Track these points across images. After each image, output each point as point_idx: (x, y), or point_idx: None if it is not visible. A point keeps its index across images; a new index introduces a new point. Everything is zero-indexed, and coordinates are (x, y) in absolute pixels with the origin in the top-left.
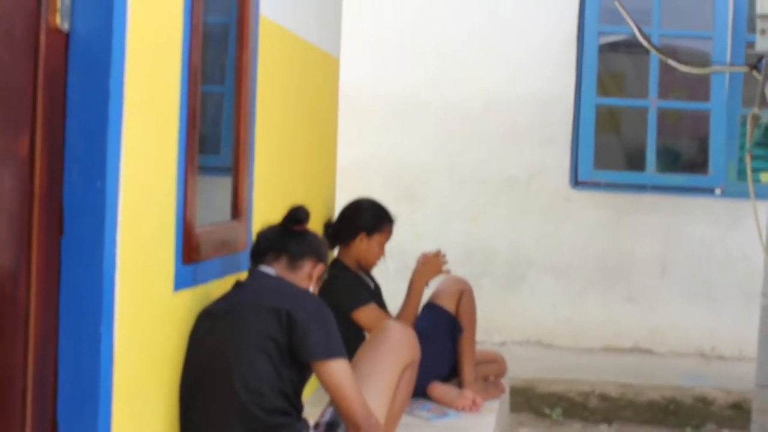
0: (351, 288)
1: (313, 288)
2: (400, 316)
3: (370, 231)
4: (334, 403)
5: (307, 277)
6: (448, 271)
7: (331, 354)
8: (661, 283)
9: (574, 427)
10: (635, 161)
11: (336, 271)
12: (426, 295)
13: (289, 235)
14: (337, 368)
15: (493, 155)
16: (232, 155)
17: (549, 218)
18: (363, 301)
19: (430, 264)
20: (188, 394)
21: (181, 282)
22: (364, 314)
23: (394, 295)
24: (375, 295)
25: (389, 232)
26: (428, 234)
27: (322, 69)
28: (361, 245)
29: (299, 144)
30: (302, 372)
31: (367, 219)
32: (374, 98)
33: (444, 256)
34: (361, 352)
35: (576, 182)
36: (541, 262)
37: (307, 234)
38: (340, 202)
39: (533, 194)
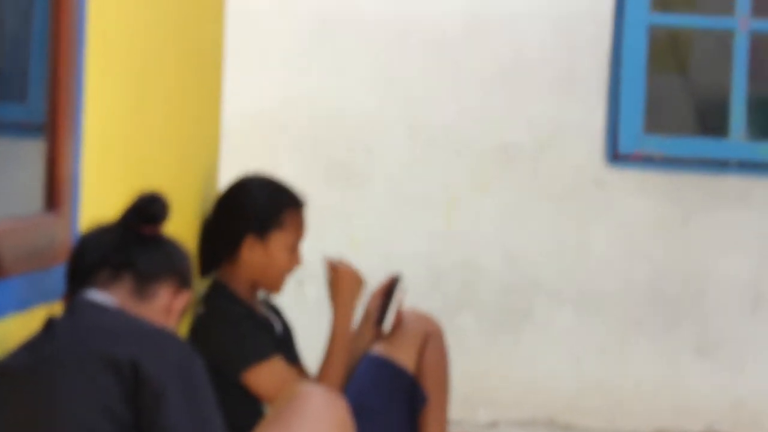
0: (241, 331)
1: (172, 328)
2: (320, 376)
3: (262, 229)
4: None
5: (164, 310)
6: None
7: None
8: (753, 323)
9: None
10: (712, 121)
11: (216, 303)
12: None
13: (136, 241)
14: None
15: (480, 107)
16: (46, 103)
17: (570, 214)
18: (261, 353)
19: (346, 277)
20: None
21: None
22: (264, 374)
23: (315, 340)
24: (282, 342)
25: (297, 224)
26: (372, 238)
27: None
28: (254, 256)
29: (160, 86)
30: None
31: (254, 209)
32: (284, 11)
33: (403, 285)
34: None
35: (614, 155)
36: (557, 286)
37: (164, 242)
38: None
39: (545, 173)
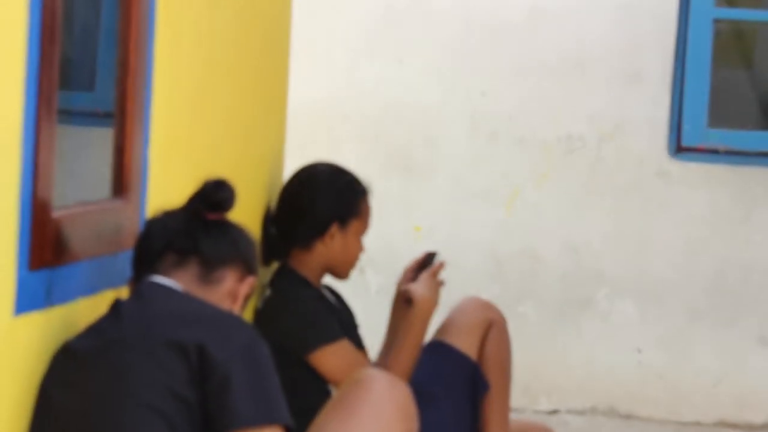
0: (311, 312)
1: (237, 313)
2: (389, 363)
3: (344, 217)
4: None
5: (229, 296)
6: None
7: (266, 418)
8: None
9: None
10: None
11: (285, 286)
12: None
13: (202, 227)
14: None
15: (541, 99)
16: (115, 93)
17: (632, 205)
18: (329, 335)
19: (435, 286)
20: None
21: (26, 299)
22: (331, 356)
23: (376, 327)
24: (345, 326)
25: (368, 212)
26: (433, 228)
27: None
28: (334, 244)
29: (226, 74)
30: None
31: (335, 198)
32: (348, 2)
33: (440, 260)
34: (323, 420)
35: (678, 147)
36: (619, 278)
37: (230, 228)
38: (289, 173)
39: (607, 166)
